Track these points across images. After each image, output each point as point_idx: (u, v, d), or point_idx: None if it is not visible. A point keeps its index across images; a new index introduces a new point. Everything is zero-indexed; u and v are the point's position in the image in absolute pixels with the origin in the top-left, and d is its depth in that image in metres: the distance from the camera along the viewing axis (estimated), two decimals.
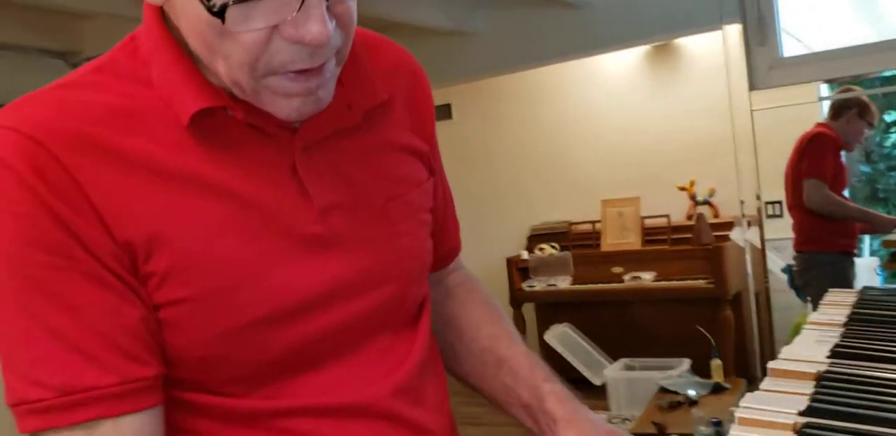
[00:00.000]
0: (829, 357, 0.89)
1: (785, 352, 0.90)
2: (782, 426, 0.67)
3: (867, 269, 3.69)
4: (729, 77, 1.92)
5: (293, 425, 0.64)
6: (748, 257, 3.39)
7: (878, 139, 6.34)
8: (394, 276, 0.69)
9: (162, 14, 0.62)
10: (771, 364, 0.86)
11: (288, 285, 0.62)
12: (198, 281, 0.60)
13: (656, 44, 4.41)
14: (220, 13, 0.54)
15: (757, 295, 3.78)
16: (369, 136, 0.70)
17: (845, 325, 1.06)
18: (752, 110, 1.93)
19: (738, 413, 0.71)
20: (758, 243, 3.63)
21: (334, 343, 0.66)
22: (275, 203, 0.63)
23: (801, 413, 0.69)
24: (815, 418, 0.67)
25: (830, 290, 1.50)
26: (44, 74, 3.05)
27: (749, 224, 3.45)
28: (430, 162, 0.78)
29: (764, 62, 1.79)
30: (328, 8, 0.55)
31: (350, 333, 0.67)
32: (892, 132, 6.16)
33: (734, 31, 2.26)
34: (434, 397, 0.73)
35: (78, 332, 0.57)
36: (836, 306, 1.23)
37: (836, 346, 0.93)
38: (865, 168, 6.63)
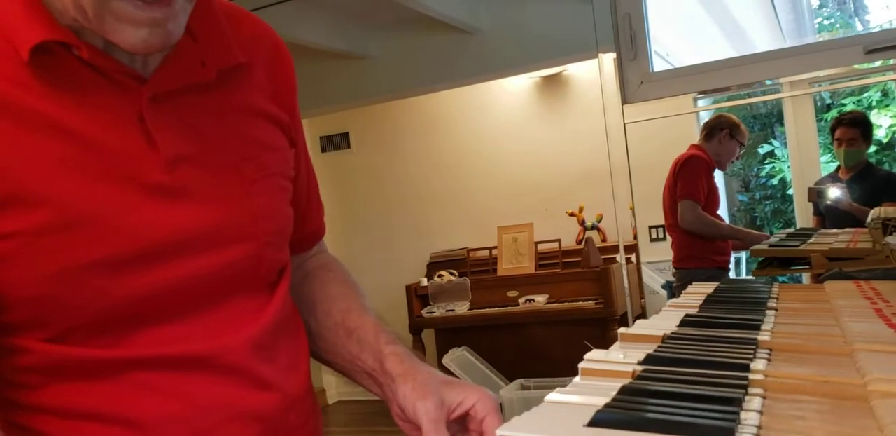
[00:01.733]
0: (678, 325, 0.95)
1: (638, 324, 0.96)
2: (622, 374, 0.72)
3: (693, 283, 3.90)
4: (604, 98, 2.04)
5: (132, 377, 0.63)
6: (625, 279, 3.55)
7: (755, 170, 6.80)
8: (248, 234, 0.69)
9: None
10: (621, 330, 0.91)
11: (129, 230, 0.61)
12: (31, 215, 0.58)
13: (545, 74, 4.62)
14: None
15: (639, 314, 3.94)
16: (225, 96, 0.70)
17: (700, 306, 1.13)
18: (625, 123, 2.05)
19: (582, 365, 0.75)
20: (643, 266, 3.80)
21: (184, 298, 0.65)
22: (119, 149, 0.62)
23: (641, 362, 0.74)
24: (654, 366, 0.72)
25: (693, 283, 1.60)
26: None
27: (627, 249, 3.61)
28: (291, 133, 0.79)
29: (635, 77, 1.92)
30: None
31: (201, 290, 0.66)
32: (766, 163, 6.62)
33: (609, 59, 2.41)
34: (288, 357, 0.73)
35: None
36: (696, 295, 1.32)
37: (687, 316, 1.00)
38: (743, 197, 7.07)
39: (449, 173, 5.05)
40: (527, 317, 4.28)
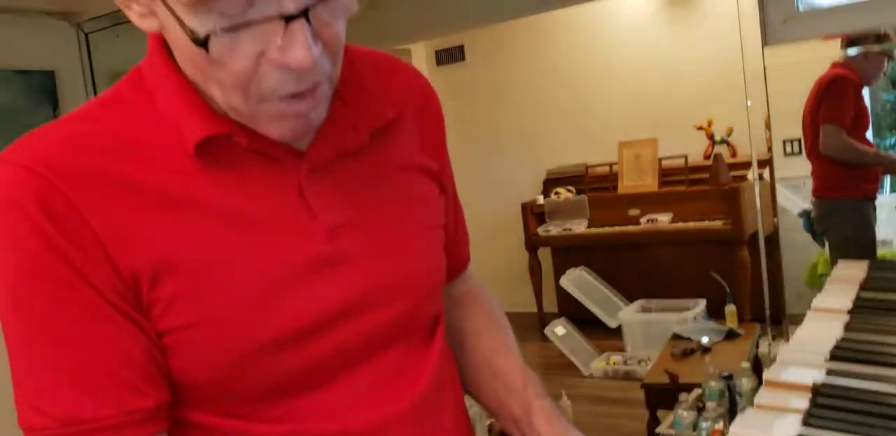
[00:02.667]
0: (829, 359, 0.88)
1: (781, 359, 0.90)
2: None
3: (888, 207, 3.63)
4: (739, 13, 1.84)
5: None
6: (757, 198, 3.35)
7: None
8: (404, 293, 0.70)
9: (164, 43, 0.63)
10: (766, 376, 0.86)
11: (297, 308, 0.63)
12: (205, 307, 0.60)
13: None
14: (204, 44, 0.54)
15: (770, 236, 3.75)
16: (377, 155, 0.70)
17: (851, 312, 1.05)
18: (764, 66, 1.85)
19: (767, 375, 0.71)
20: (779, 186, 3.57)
21: (344, 360, 0.66)
22: (282, 226, 0.64)
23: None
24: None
25: (840, 262, 1.49)
26: (48, 37, 3.01)
27: (760, 165, 3.38)
28: (441, 179, 0.78)
29: (779, 14, 1.71)
30: (314, 33, 0.56)
31: (360, 349, 0.67)
32: None
33: None
34: (450, 418, 0.74)
35: (77, 364, 0.59)
36: (844, 284, 1.22)
37: (842, 340, 0.93)
38: (889, 96, 6.44)
39: (567, 85, 4.84)
40: (648, 237, 4.18)
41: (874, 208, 3.07)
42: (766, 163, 3.62)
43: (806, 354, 0.82)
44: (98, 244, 0.59)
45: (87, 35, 2.96)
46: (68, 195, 0.58)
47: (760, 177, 3.60)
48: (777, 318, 3.21)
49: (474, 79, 5.04)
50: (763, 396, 0.71)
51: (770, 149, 3.48)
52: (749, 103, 2.74)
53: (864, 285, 1.08)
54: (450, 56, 5.12)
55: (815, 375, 0.73)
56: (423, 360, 0.72)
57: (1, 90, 2.96)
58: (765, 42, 1.73)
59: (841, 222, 3.01)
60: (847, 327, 0.92)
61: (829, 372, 0.73)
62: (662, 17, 4.46)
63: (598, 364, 3.79)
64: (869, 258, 1.84)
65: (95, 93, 3.01)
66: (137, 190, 0.60)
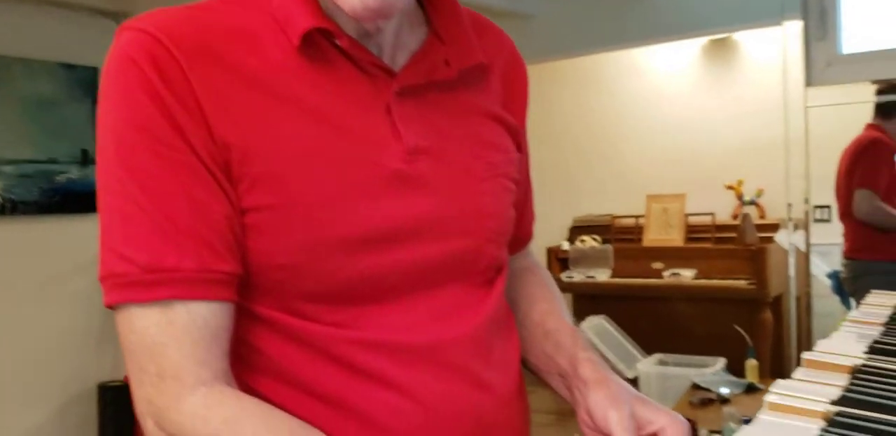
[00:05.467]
0: (866, 353, 0.89)
1: (821, 345, 0.90)
2: (812, 413, 0.68)
3: (871, 291, 3.60)
4: (786, 74, 1.89)
5: (359, 358, 0.66)
6: (792, 260, 3.35)
7: None
8: (472, 229, 0.72)
9: None
10: (805, 355, 0.87)
11: (369, 213, 0.66)
12: (285, 191, 0.64)
13: (713, 38, 4.35)
14: None
15: (798, 299, 3.73)
16: (463, 96, 0.75)
17: (885, 324, 1.06)
18: (806, 107, 1.90)
19: (768, 398, 0.72)
20: (802, 247, 3.57)
21: (408, 282, 0.69)
22: (367, 136, 0.67)
23: (834, 402, 0.70)
24: (847, 408, 0.68)
25: (873, 290, 1.49)
26: (94, 33, 3.13)
27: (795, 227, 3.40)
28: (518, 138, 0.82)
29: (822, 58, 1.77)
30: None
31: (425, 276, 0.70)
32: None
33: (794, 27, 2.23)
34: (502, 355, 0.75)
35: (168, 216, 0.62)
36: (878, 306, 1.23)
37: (875, 342, 0.94)
38: None
39: (601, 135, 4.92)
40: (671, 291, 4.16)
41: None
42: (799, 227, 3.63)
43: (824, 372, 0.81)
44: (200, 111, 0.63)
45: None
46: (181, 62, 0.63)
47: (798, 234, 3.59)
48: None
49: None
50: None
51: (807, 213, 3.49)
52: (787, 163, 2.78)
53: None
54: None
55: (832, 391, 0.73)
56: (480, 303, 0.75)
57: (44, 80, 3.08)
58: (808, 84, 1.78)
59: (871, 284, 2.99)
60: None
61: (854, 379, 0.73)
62: (701, 70, 4.56)
63: None
64: None
65: None
66: (243, 73, 0.65)
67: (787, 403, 0.71)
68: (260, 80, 0.65)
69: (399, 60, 0.71)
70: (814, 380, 0.79)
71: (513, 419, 0.77)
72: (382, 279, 0.68)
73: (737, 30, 3.88)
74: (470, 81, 0.75)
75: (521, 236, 0.89)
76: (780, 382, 0.76)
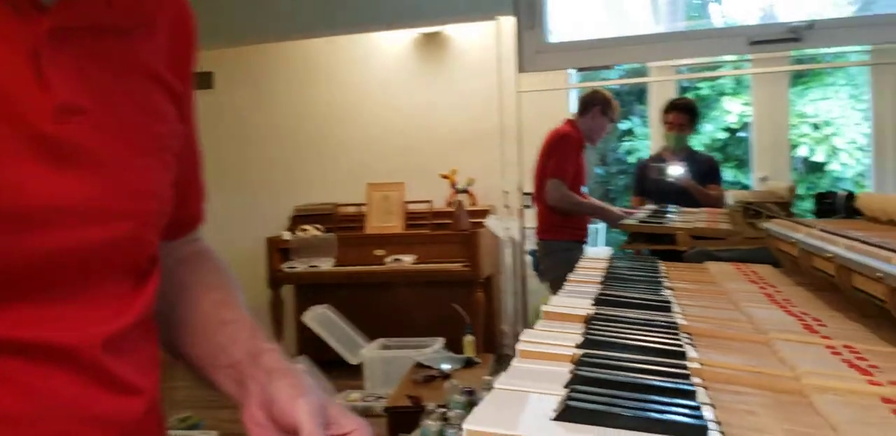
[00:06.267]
0: (593, 304, 0.95)
1: (554, 300, 0.95)
2: (562, 357, 0.70)
3: (582, 257, 4.10)
4: (500, 63, 2.01)
5: None
6: (506, 243, 3.62)
7: (612, 146, 7.11)
8: (132, 211, 0.61)
9: None
10: (544, 308, 0.90)
11: (6, 185, 0.53)
12: None
13: (425, 31, 4.55)
14: None
15: (515, 278, 4.04)
16: (126, 51, 0.63)
17: (601, 282, 1.15)
18: (518, 91, 2.04)
19: (519, 347, 0.73)
20: (515, 231, 3.87)
21: (54, 275, 0.57)
22: (3, 85, 0.53)
23: (578, 346, 0.73)
24: (591, 350, 0.71)
25: (583, 257, 1.64)
26: None
27: (508, 212, 3.68)
28: (182, 107, 0.71)
29: (531, 46, 1.91)
30: None
31: (75, 267, 0.58)
32: (624, 140, 6.93)
33: (507, 22, 2.39)
34: (148, 356, 0.66)
35: None
36: (591, 270, 1.34)
37: (599, 295, 1.01)
38: (600, 170, 7.40)
39: (320, 124, 4.89)
40: (393, 277, 4.27)
41: (583, 251, 3.46)
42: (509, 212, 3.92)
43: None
44: None
45: None
46: None
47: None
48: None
49: (223, 107, 4.88)
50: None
51: (521, 199, 3.77)
52: (502, 149, 2.97)
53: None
54: (197, 82, 4.90)
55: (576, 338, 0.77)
56: (133, 298, 0.64)
57: None
58: (520, 70, 1.91)
59: (555, 262, 3.34)
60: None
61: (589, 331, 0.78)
62: (418, 62, 4.74)
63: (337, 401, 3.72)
64: None
65: None
66: None
67: (538, 349, 0.72)
68: None
69: None
70: (556, 330, 0.81)
71: (158, 420, 0.68)
72: (20, 270, 0.54)
73: (454, 21, 4.08)
74: (134, 36, 0.64)
75: (190, 217, 0.79)
76: (527, 331, 0.78)
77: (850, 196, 2.53)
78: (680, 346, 0.75)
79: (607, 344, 0.73)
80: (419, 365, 3.14)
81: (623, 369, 0.66)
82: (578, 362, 0.67)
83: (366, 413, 3.64)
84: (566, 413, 0.52)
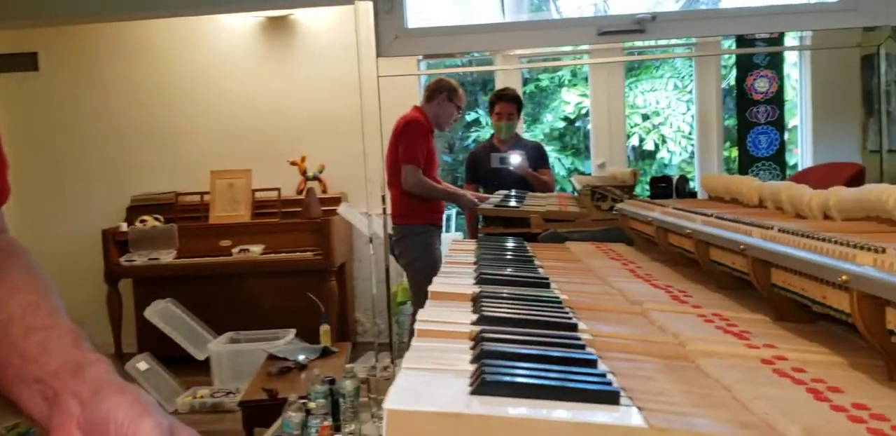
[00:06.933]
0: (476, 284, 0.96)
1: (436, 281, 0.95)
2: (460, 335, 0.70)
3: (451, 240, 4.16)
4: (359, 48, 1.99)
5: None
6: (365, 230, 3.57)
7: (460, 135, 7.25)
8: None
9: None
10: (431, 288, 0.90)
11: None
12: None
13: (270, 14, 4.40)
14: None
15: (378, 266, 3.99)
16: None
17: (476, 263, 1.16)
18: (378, 76, 2.02)
19: (417, 326, 0.72)
20: (372, 219, 3.84)
21: None
22: None
23: (474, 323, 0.73)
24: (486, 326, 0.71)
25: (453, 240, 1.65)
26: None
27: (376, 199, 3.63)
28: None
29: (390, 31, 1.89)
30: None
31: None
32: (472, 131, 7.09)
33: (365, 6, 2.35)
34: None
35: None
36: (463, 252, 1.35)
37: (480, 275, 1.01)
38: (448, 158, 7.53)
39: (158, 109, 4.60)
40: (240, 267, 4.12)
41: (439, 235, 3.51)
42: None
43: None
44: None
45: None
46: None
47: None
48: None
49: (49, 91, 4.49)
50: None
51: (381, 185, 3.72)
52: (363, 134, 2.91)
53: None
54: (18, 63, 4.48)
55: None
56: None
57: None
58: (379, 54, 1.89)
59: (411, 244, 3.36)
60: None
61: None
62: (261, 46, 4.57)
63: (185, 399, 3.55)
64: (433, 277, 2.07)
65: None
66: None
67: (435, 328, 0.71)
68: None
69: None
70: (447, 308, 0.81)
71: None
72: None
73: (309, 6, 3.96)
74: None
75: None
76: (420, 312, 0.77)
77: (684, 179, 2.73)
78: (570, 319, 0.77)
79: (501, 320, 0.74)
80: (272, 357, 3.05)
81: (523, 343, 0.66)
82: (478, 339, 0.67)
83: (216, 409, 3.50)
84: (484, 387, 0.51)
